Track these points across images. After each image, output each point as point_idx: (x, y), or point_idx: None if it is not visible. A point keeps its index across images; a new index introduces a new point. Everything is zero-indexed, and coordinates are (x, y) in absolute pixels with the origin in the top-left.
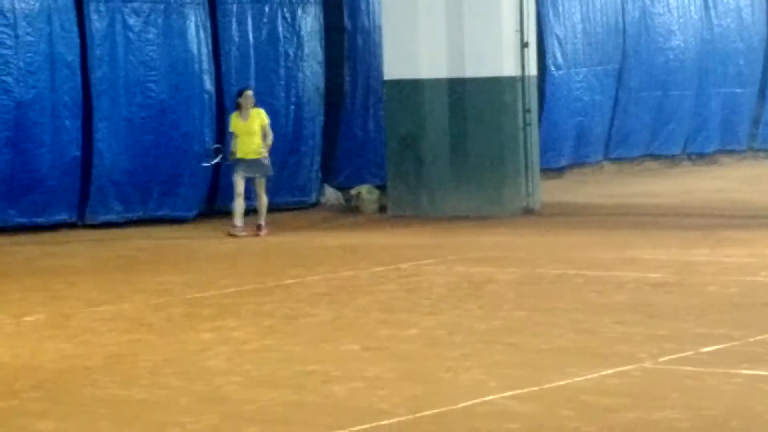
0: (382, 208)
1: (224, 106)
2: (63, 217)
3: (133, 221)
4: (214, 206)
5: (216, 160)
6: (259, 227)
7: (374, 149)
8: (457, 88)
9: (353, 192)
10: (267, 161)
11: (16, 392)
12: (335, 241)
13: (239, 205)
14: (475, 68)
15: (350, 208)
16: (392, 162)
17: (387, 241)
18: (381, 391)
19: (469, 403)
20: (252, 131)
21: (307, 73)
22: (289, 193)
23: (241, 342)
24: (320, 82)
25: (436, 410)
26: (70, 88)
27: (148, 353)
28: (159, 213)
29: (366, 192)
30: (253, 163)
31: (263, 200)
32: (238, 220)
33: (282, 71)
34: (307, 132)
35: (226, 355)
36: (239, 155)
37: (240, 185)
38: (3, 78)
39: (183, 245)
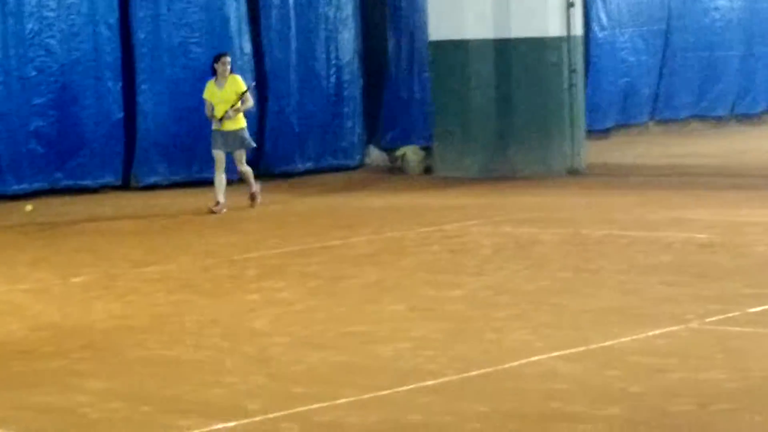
0: (427, 169)
1: (264, 68)
2: (108, 179)
3: (177, 183)
4: (257, 168)
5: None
6: (252, 196)
7: (419, 110)
8: (503, 49)
9: (398, 153)
10: (245, 133)
11: (65, 352)
12: (380, 202)
13: (219, 180)
14: (520, 28)
15: (395, 169)
16: (438, 123)
17: (432, 202)
18: (427, 352)
19: (516, 363)
20: (228, 99)
21: (347, 35)
22: (332, 156)
23: (286, 303)
24: (360, 44)
25: (482, 371)
26: (112, 49)
27: (194, 314)
28: (203, 175)
29: (411, 153)
30: (230, 136)
31: (246, 170)
32: (220, 195)
33: (322, 33)
34: (348, 94)
35: (271, 316)
36: (214, 126)
37: (219, 159)
38: (46, 40)
39: (227, 206)
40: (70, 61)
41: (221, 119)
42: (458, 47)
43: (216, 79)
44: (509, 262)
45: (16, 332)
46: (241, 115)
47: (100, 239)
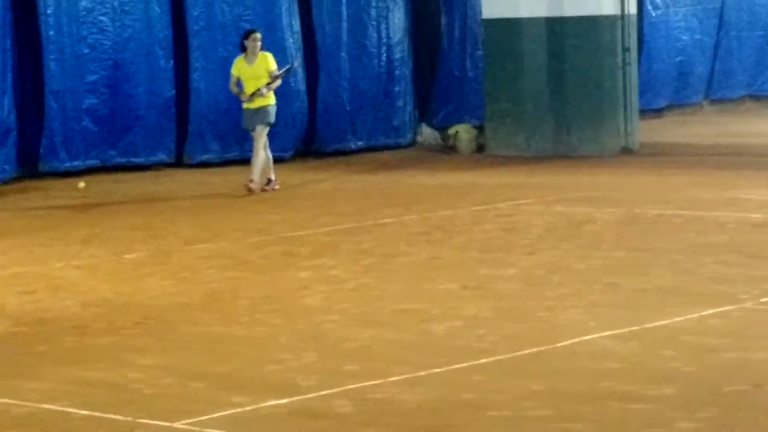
0: (480, 148)
1: (315, 46)
2: (161, 157)
3: (229, 161)
4: (311, 146)
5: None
6: (268, 182)
7: (472, 89)
8: (556, 27)
9: (450, 131)
10: (270, 108)
11: (118, 328)
12: (432, 181)
13: (265, 157)
14: (574, 7)
15: (447, 148)
16: (490, 101)
17: (484, 180)
18: (480, 330)
19: (568, 342)
20: (258, 76)
21: (398, 14)
22: (384, 135)
23: (339, 280)
24: (410, 23)
25: (535, 349)
26: (164, 27)
27: (247, 291)
28: None
29: (463, 131)
30: (259, 112)
31: (260, 156)
32: (270, 172)
33: (373, 11)
34: (399, 73)
35: (324, 293)
36: (245, 105)
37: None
38: (99, 18)
39: (280, 184)
40: (122, 38)
41: (253, 95)
42: (511, 25)
43: (246, 56)
44: (562, 241)
45: (69, 308)
46: (271, 93)
47: (153, 216)
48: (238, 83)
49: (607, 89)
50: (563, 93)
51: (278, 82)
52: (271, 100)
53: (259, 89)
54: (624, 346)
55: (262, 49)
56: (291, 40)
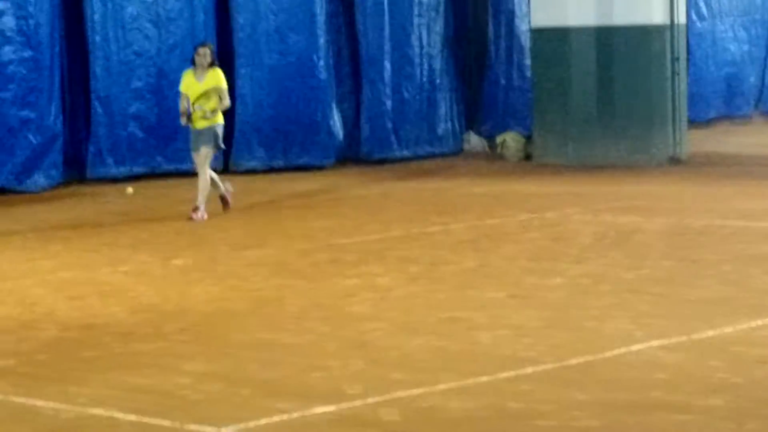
0: (527, 156)
1: (359, 55)
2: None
3: (275, 169)
4: (356, 154)
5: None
6: (194, 210)
7: (519, 97)
8: (605, 36)
9: (498, 140)
10: (217, 129)
11: (165, 334)
12: (480, 189)
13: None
14: (623, 16)
15: (495, 156)
16: (538, 110)
17: (532, 189)
18: (526, 339)
19: (616, 352)
20: (207, 94)
21: (439, 23)
22: (428, 143)
23: (386, 288)
24: (452, 32)
25: (581, 359)
26: (208, 34)
27: (294, 298)
28: (300, 161)
29: (511, 140)
30: (200, 134)
31: (203, 179)
32: (222, 189)
33: (415, 20)
34: (441, 82)
35: (371, 301)
36: (184, 123)
37: (196, 161)
38: (144, 24)
39: (326, 191)
40: (167, 45)
41: (190, 116)
42: (560, 34)
43: (195, 70)
44: (610, 250)
45: (116, 314)
46: (219, 113)
47: (201, 222)
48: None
49: (656, 99)
50: (612, 102)
51: (224, 102)
52: (218, 119)
53: (203, 111)
54: (672, 356)
55: (214, 64)
56: (335, 48)
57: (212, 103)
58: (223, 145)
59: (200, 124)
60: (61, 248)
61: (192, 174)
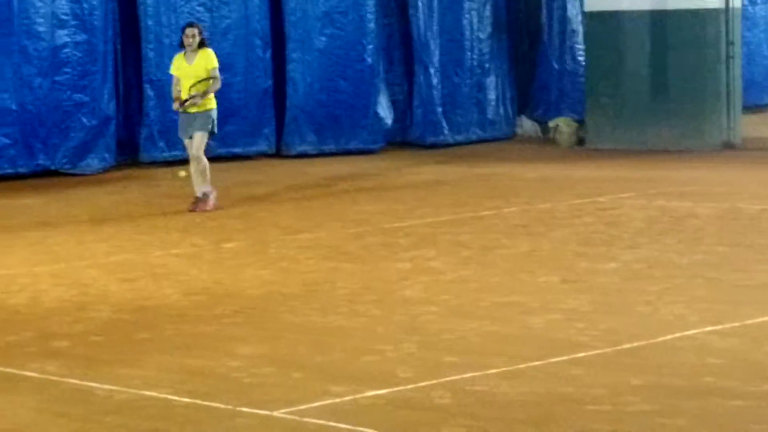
0: (580, 141)
1: (410, 39)
2: (260, 147)
3: (326, 153)
4: (407, 138)
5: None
6: (197, 200)
7: (572, 82)
8: (659, 20)
9: (551, 124)
10: (211, 114)
11: (218, 317)
12: (532, 173)
13: (191, 169)
14: (677, 0)
15: (547, 141)
16: (591, 95)
17: (585, 174)
18: (579, 324)
19: (669, 337)
20: (198, 75)
21: (489, 8)
22: (480, 128)
23: (438, 272)
24: (503, 16)
25: (635, 344)
26: (262, 17)
27: (346, 281)
28: (350, 145)
29: (564, 124)
30: (194, 118)
31: (200, 163)
32: (197, 187)
33: (466, 4)
34: (491, 66)
35: (423, 284)
36: (175, 107)
37: (188, 147)
38: (196, 8)
39: (378, 175)
40: (219, 29)
41: (184, 102)
42: (614, 18)
43: (185, 53)
44: (663, 235)
45: (169, 296)
46: (211, 96)
47: (253, 206)
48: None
49: (709, 83)
50: (665, 86)
51: (216, 85)
52: (210, 103)
53: (192, 96)
54: (725, 341)
55: (204, 44)
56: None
57: (201, 85)
58: (215, 129)
59: (191, 108)
60: (113, 231)
61: (241, 157)
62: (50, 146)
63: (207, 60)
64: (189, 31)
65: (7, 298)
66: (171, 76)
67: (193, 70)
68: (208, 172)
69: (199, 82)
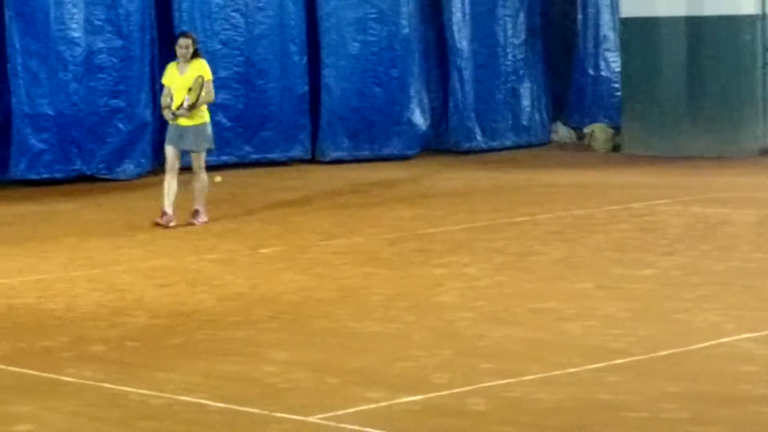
0: (616, 147)
1: (446, 45)
2: (296, 153)
3: (360, 159)
4: (442, 145)
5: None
6: (195, 213)
7: (607, 88)
8: (695, 26)
9: (586, 130)
10: (206, 128)
11: (254, 322)
12: (567, 180)
13: (168, 184)
14: (713, 6)
15: (583, 147)
16: (627, 101)
17: (620, 180)
18: (615, 331)
19: (706, 344)
20: (188, 86)
21: (522, 15)
22: (514, 133)
23: (473, 278)
24: (537, 23)
25: (671, 351)
26: (297, 24)
27: (381, 287)
28: (385, 151)
29: (599, 131)
30: (186, 132)
31: (201, 180)
32: (167, 205)
33: (500, 11)
34: (526, 72)
35: (458, 290)
36: (167, 117)
37: (171, 158)
38: (231, 14)
39: (413, 182)
40: (254, 35)
41: (174, 113)
42: (649, 24)
43: (177, 63)
44: (699, 242)
45: (205, 301)
46: (204, 107)
47: (288, 211)
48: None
49: (746, 89)
50: (701, 92)
51: (208, 97)
52: (204, 116)
53: (180, 105)
54: (762, 349)
55: (198, 55)
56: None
57: (193, 95)
58: (212, 145)
59: (183, 121)
60: (149, 236)
61: (277, 163)
62: (86, 152)
63: (200, 71)
64: (183, 41)
65: (43, 302)
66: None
67: (185, 81)
68: (203, 188)
69: (186, 87)
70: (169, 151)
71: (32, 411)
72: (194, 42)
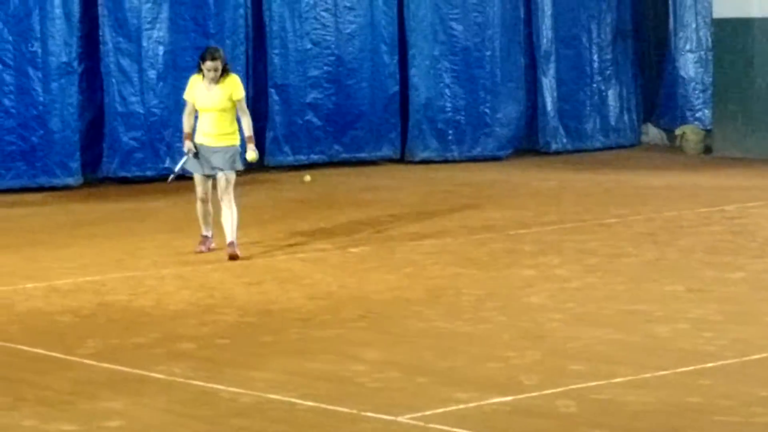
0: (707, 149)
1: (533, 46)
2: (385, 152)
3: (449, 160)
4: (533, 146)
5: (180, 166)
6: (230, 245)
7: (699, 90)
8: None
9: (677, 132)
10: (237, 150)
11: (343, 321)
12: (658, 181)
13: (202, 210)
14: None
15: (674, 149)
16: (719, 102)
17: (712, 182)
18: (706, 333)
19: None
20: (222, 107)
21: (610, 15)
22: (603, 135)
23: (563, 279)
24: (626, 24)
25: (764, 354)
26: (388, 23)
27: (470, 287)
28: (473, 152)
29: (691, 132)
30: (214, 153)
31: (231, 210)
32: (205, 228)
33: (587, 11)
34: (614, 73)
35: (548, 292)
36: (197, 139)
37: (201, 186)
38: (321, 13)
39: (503, 182)
40: (344, 34)
41: (174, 173)
42: (743, 26)
43: (203, 78)
44: None
45: (295, 300)
46: (235, 131)
47: (378, 211)
48: (195, 115)
49: None
50: None
51: (248, 120)
52: (235, 140)
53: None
54: None
55: (230, 70)
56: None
57: (227, 118)
58: (240, 165)
59: (210, 142)
60: (239, 234)
61: (366, 162)
62: (175, 150)
63: (233, 89)
64: (211, 64)
65: (134, 299)
66: (299, 81)
67: (212, 101)
68: (233, 218)
69: (222, 111)
70: (199, 179)
71: (122, 407)
72: (223, 60)
